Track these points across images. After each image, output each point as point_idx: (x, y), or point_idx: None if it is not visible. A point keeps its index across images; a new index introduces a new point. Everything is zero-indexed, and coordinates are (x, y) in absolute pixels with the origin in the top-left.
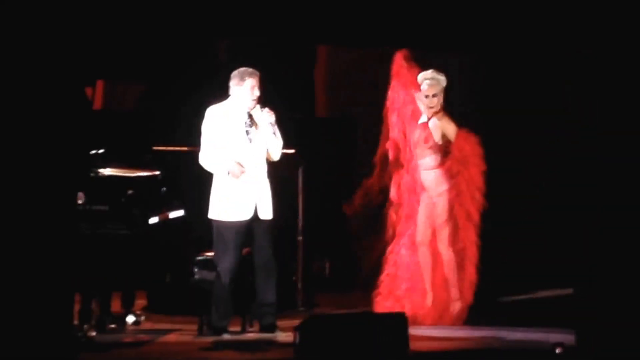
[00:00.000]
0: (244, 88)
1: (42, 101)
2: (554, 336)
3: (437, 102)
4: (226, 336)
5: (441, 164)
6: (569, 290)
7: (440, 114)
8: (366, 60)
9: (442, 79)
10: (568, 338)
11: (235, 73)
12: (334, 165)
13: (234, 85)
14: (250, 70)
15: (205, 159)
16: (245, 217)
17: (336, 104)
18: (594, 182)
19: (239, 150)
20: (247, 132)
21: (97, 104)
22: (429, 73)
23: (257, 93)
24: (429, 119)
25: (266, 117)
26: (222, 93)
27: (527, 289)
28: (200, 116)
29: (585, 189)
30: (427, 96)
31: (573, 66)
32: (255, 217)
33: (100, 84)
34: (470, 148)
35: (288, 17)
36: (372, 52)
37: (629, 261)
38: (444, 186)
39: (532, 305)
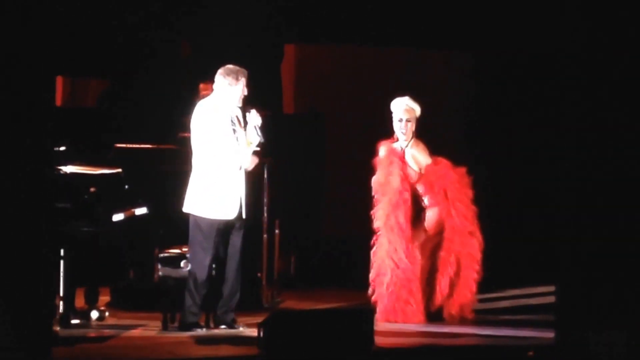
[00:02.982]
0: (238, 87)
1: (8, 97)
2: (524, 333)
3: (410, 128)
4: (199, 331)
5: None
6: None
7: (413, 142)
8: (334, 56)
9: (417, 108)
10: (539, 337)
11: (228, 71)
12: (301, 161)
13: (228, 84)
14: (242, 69)
15: (220, 149)
16: (232, 216)
17: (304, 100)
18: (579, 181)
19: (227, 148)
20: (233, 130)
21: (57, 100)
22: (404, 99)
23: (246, 92)
24: (403, 149)
25: (256, 119)
26: (185, 89)
27: (505, 287)
28: (163, 113)
29: (571, 188)
30: (400, 120)
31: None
32: (239, 215)
33: (60, 80)
34: (443, 172)
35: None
36: (339, 48)
37: (611, 260)
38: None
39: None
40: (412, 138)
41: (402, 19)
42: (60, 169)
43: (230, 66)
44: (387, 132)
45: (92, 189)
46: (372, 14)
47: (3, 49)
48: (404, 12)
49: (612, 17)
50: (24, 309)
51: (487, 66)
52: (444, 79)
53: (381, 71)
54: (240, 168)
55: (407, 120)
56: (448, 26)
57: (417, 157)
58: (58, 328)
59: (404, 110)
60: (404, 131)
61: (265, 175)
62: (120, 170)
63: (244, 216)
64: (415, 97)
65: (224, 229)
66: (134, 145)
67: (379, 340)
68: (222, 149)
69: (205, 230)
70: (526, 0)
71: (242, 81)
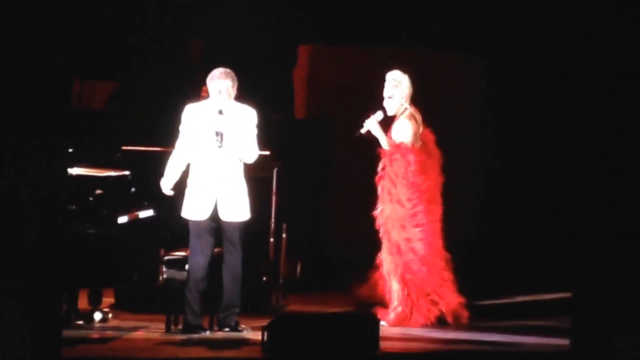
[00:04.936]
0: (212, 89)
1: (23, 97)
2: (530, 339)
3: (390, 104)
4: (203, 334)
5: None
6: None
7: (407, 115)
8: (346, 61)
9: (403, 81)
10: (547, 343)
11: (209, 74)
12: (311, 166)
13: (231, 87)
14: (222, 71)
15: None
16: (202, 217)
17: (315, 105)
18: (592, 184)
19: (207, 150)
20: (216, 133)
21: None
22: (392, 73)
23: (228, 93)
24: (392, 123)
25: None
26: (194, 93)
27: (522, 291)
28: (171, 116)
29: (584, 190)
30: (384, 97)
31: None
32: (215, 218)
33: None
34: (431, 149)
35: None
36: (351, 53)
37: (628, 263)
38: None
39: (520, 308)
40: (400, 110)
41: (416, 21)
42: (67, 171)
43: (230, 70)
44: None
45: (98, 191)
46: (385, 16)
47: (18, 50)
48: (418, 14)
49: (627, 18)
50: (33, 308)
51: (504, 69)
52: (458, 81)
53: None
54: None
55: (389, 97)
56: (462, 28)
57: (395, 129)
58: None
59: (387, 86)
60: (387, 107)
61: (274, 179)
62: (127, 172)
63: (223, 218)
64: (431, 99)
65: (212, 231)
66: (141, 148)
67: (383, 345)
68: (192, 150)
69: (192, 231)
70: (539, 1)
71: (215, 83)
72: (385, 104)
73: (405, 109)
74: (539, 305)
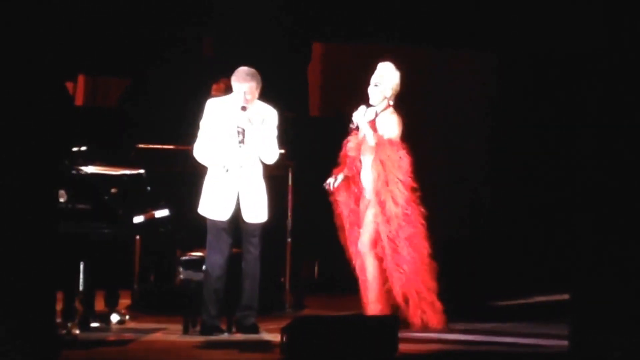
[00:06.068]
0: (235, 89)
1: (22, 96)
2: (544, 341)
3: (375, 93)
4: (221, 335)
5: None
6: (565, 296)
7: (390, 111)
8: (360, 59)
9: (391, 74)
10: (559, 344)
11: (259, 77)
12: (325, 165)
13: (255, 88)
14: (239, 70)
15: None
16: (223, 218)
17: (330, 103)
18: (593, 185)
19: (228, 147)
20: (238, 132)
21: (79, 99)
22: (385, 63)
23: (244, 95)
24: (376, 115)
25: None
26: (208, 89)
27: (523, 293)
28: (186, 114)
29: (584, 191)
30: (370, 84)
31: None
32: (237, 219)
33: (82, 79)
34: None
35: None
36: (366, 51)
37: (628, 267)
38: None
39: (526, 310)
40: (382, 104)
41: (431, 18)
42: (81, 169)
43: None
44: (413, 135)
45: (113, 190)
46: (400, 13)
47: (12, 48)
48: (433, 11)
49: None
50: (29, 311)
51: (512, 66)
52: (470, 79)
53: (408, 73)
54: (224, 167)
55: (375, 85)
56: (474, 26)
57: (381, 125)
58: (77, 331)
59: (375, 74)
60: (371, 95)
61: (290, 179)
62: (142, 171)
63: (246, 219)
64: (436, 94)
65: (230, 231)
66: (156, 146)
67: (402, 347)
68: (212, 146)
69: (211, 229)
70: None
71: (239, 84)
72: (370, 90)
73: (388, 105)
74: (541, 307)
